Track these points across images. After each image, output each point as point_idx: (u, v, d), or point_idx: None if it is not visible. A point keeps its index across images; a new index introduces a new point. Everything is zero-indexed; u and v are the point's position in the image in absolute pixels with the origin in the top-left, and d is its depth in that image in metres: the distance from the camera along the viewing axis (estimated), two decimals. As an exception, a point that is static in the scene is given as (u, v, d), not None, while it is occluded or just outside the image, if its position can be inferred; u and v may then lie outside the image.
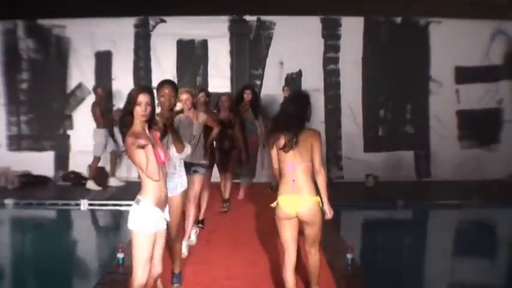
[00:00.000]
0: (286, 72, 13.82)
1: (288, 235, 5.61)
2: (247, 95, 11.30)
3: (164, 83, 6.13)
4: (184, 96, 7.36)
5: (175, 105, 6.15)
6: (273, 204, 5.62)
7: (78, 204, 11.49)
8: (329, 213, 5.68)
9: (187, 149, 5.97)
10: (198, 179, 7.70)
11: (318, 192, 5.55)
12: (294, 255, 5.64)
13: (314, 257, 5.80)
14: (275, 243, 8.10)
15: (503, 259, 9.07)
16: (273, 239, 8.24)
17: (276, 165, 5.68)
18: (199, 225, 8.85)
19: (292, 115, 5.57)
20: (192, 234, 8.04)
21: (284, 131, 5.50)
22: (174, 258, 6.35)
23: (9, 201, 11.66)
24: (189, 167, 7.29)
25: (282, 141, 5.49)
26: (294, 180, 5.46)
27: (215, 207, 10.14)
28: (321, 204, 5.58)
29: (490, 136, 14.13)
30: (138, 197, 4.93)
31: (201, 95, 9.12)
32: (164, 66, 13.67)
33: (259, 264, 7.34)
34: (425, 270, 8.30)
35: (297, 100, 5.86)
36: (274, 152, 5.64)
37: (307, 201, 5.46)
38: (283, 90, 12.51)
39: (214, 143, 9.36)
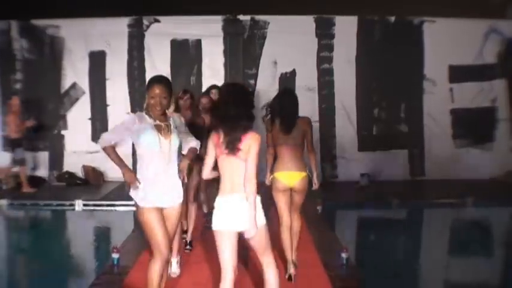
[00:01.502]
0: (280, 72, 13.84)
1: (283, 203, 6.71)
2: (214, 95, 9.86)
3: (154, 81, 5.28)
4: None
5: (168, 107, 5.35)
6: (269, 179, 6.70)
7: (72, 205, 11.49)
8: (317, 184, 6.80)
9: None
10: None
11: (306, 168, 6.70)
12: (288, 219, 6.72)
13: (297, 221, 6.85)
14: (272, 244, 8.10)
15: (497, 258, 9.08)
16: (270, 239, 8.23)
17: (271, 146, 6.75)
18: (187, 247, 7.93)
19: (289, 106, 6.68)
20: (174, 263, 6.86)
21: (283, 118, 6.59)
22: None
23: (3, 202, 11.67)
24: None
25: (281, 127, 6.56)
26: (290, 159, 6.58)
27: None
28: (311, 176, 6.72)
29: (484, 135, 14.19)
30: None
31: (186, 97, 7.95)
32: (158, 66, 13.63)
33: (255, 265, 7.32)
34: (420, 269, 8.31)
35: (289, 94, 6.95)
36: (270, 136, 6.72)
37: (300, 176, 6.57)
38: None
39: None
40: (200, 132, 7.61)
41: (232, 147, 4.88)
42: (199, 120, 7.98)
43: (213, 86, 10.57)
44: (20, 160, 12.56)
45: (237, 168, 4.92)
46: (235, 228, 4.97)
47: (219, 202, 4.98)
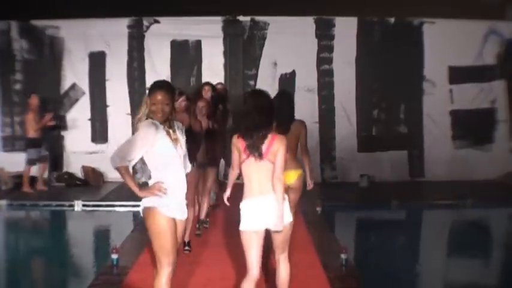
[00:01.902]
0: (280, 73, 13.84)
1: None
2: (206, 92, 9.93)
3: (156, 87, 5.07)
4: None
5: (171, 114, 5.10)
6: None
7: (72, 205, 11.48)
8: (311, 185, 7.13)
9: None
10: None
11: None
12: None
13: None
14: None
15: (496, 259, 9.08)
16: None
17: None
18: (186, 247, 7.87)
19: (286, 109, 6.92)
20: None
21: (280, 121, 6.50)
22: None
23: (2, 202, 11.65)
24: None
25: (278, 129, 6.22)
26: (287, 160, 6.46)
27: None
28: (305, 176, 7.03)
29: (484, 136, 14.16)
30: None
31: (181, 99, 7.55)
32: (158, 67, 13.67)
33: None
34: (419, 270, 8.31)
35: (286, 97, 7.25)
36: None
37: (296, 174, 6.92)
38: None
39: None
40: (198, 137, 7.59)
41: (258, 153, 5.23)
42: (196, 125, 7.87)
43: (206, 83, 10.48)
44: (29, 160, 12.52)
45: (265, 171, 5.24)
46: (265, 227, 5.25)
47: (248, 204, 5.27)
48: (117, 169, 4.88)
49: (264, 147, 5.23)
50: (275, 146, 5.22)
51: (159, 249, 4.99)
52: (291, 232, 5.45)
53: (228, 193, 5.65)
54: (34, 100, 12.64)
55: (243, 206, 5.29)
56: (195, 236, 8.62)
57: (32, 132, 12.46)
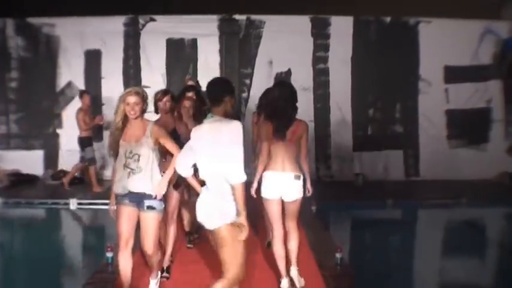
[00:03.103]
0: (275, 71, 13.82)
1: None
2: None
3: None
4: (132, 100, 5.57)
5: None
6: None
7: (67, 203, 11.47)
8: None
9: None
10: (154, 218, 5.84)
11: None
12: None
13: None
14: (263, 244, 8.10)
15: (491, 258, 9.11)
16: (261, 239, 8.24)
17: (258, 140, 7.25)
18: (164, 274, 6.89)
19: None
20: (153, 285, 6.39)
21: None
22: None
23: (-2, 200, 11.67)
24: (140, 201, 5.91)
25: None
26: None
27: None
28: None
29: (479, 136, 14.20)
30: (298, 173, 6.11)
31: (166, 99, 7.01)
32: (154, 65, 13.67)
33: (246, 264, 7.31)
34: (414, 269, 8.34)
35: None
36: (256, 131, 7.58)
37: None
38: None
39: None
40: (184, 140, 6.60)
41: (284, 135, 6.03)
42: (181, 128, 7.06)
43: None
44: (90, 159, 12.34)
45: (290, 152, 6.08)
46: (281, 198, 6.13)
47: (270, 176, 6.09)
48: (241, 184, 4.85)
49: (290, 131, 6.05)
50: (299, 131, 6.09)
51: (232, 261, 5.12)
52: (300, 205, 6.23)
53: (255, 185, 6.23)
54: (86, 99, 12.40)
55: (266, 176, 6.09)
56: (187, 249, 8.10)
57: (83, 132, 12.22)
